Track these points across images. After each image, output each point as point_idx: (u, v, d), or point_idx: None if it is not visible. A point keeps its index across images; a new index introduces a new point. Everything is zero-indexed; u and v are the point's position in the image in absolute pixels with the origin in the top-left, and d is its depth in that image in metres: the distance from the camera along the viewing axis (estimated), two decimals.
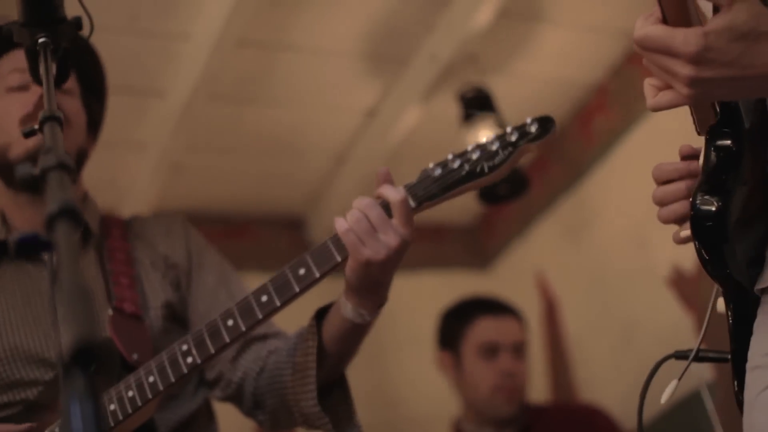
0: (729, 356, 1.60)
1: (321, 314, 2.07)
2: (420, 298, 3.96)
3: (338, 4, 3.34)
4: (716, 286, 1.56)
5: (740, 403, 1.54)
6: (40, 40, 1.67)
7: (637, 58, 3.70)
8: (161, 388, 2.00)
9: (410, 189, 1.95)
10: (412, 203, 1.93)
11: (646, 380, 1.67)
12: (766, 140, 1.46)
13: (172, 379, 1.99)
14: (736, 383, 1.56)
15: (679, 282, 3.53)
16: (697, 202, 1.43)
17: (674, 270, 3.54)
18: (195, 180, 3.89)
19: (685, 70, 1.29)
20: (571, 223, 4.07)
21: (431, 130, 3.88)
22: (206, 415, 2.32)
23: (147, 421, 2.06)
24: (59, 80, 1.67)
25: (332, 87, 3.64)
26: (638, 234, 3.71)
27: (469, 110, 3.52)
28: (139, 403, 2.00)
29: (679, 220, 1.58)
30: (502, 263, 4.44)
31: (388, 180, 1.96)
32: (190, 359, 1.98)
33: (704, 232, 1.43)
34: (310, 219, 4.24)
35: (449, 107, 3.64)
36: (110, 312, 2.16)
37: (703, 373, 1.86)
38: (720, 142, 1.45)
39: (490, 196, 3.58)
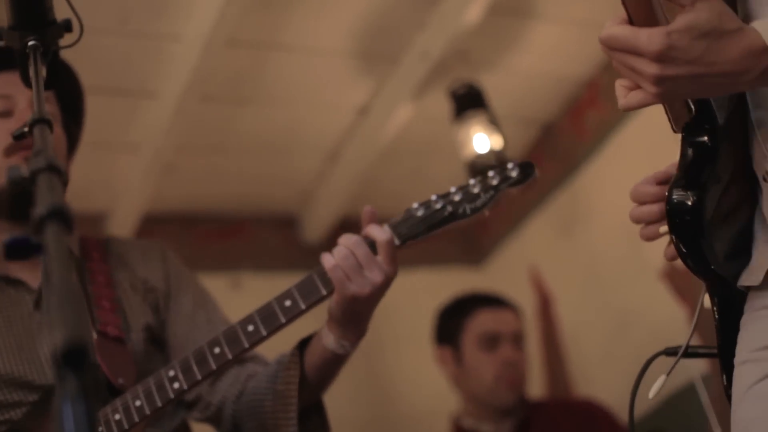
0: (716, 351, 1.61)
1: (303, 344, 2.14)
2: (416, 295, 3.96)
3: (328, 2, 3.34)
4: (704, 284, 1.57)
5: (730, 397, 1.55)
6: (30, 43, 1.66)
7: None
8: (148, 412, 2.04)
9: (395, 228, 2.05)
10: (396, 241, 2.03)
11: (637, 378, 1.69)
12: (741, 136, 1.48)
13: (159, 404, 2.04)
14: (724, 378, 1.58)
15: (673, 275, 3.53)
16: (673, 197, 1.45)
17: (667, 264, 3.54)
18: (188, 180, 3.89)
19: (650, 68, 1.32)
20: (565, 218, 4.08)
21: (423, 127, 3.89)
22: None
23: None
24: (49, 84, 1.67)
25: (324, 85, 3.64)
26: (631, 228, 3.68)
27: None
28: (126, 427, 2.03)
29: (658, 237, 1.61)
30: (496, 259, 4.45)
31: (374, 219, 2.06)
32: (176, 385, 2.04)
33: (680, 226, 1.45)
34: (304, 217, 4.24)
35: (441, 104, 3.64)
36: (94, 336, 2.17)
37: (696, 366, 1.87)
38: (695, 139, 1.48)
39: None
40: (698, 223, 1.44)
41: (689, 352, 1.68)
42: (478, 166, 3.44)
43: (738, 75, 1.32)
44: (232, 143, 3.79)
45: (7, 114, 2.20)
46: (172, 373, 2.05)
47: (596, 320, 3.92)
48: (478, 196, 2.06)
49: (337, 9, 3.36)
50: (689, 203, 1.44)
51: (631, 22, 1.35)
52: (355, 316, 2.04)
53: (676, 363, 1.66)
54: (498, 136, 3.51)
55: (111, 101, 3.37)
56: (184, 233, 3.99)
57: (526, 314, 3.84)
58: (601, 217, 3.89)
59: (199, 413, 2.31)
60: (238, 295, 3.87)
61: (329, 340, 2.06)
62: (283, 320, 2.02)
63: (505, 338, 3.43)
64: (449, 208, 2.05)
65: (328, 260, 2.01)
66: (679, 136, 3.67)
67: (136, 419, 2.03)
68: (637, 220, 1.66)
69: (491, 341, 3.42)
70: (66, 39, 1.73)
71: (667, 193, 1.47)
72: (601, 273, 3.91)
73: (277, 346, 2.19)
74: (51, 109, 2.22)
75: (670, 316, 3.52)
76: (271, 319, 2.03)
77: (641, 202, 1.65)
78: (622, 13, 1.37)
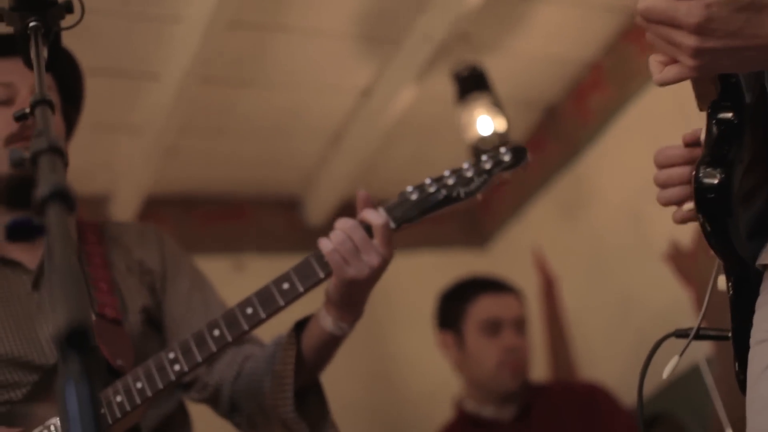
0: (729, 334, 1.60)
1: (299, 325, 2.17)
2: (418, 278, 3.96)
3: None
4: (717, 264, 1.56)
5: (741, 383, 1.54)
6: (31, 24, 1.66)
7: (631, 35, 3.69)
8: (149, 394, 2.06)
9: (390, 211, 2.08)
10: (392, 225, 2.07)
11: (646, 359, 1.68)
12: (763, 119, 1.46)
13: (160, 386, 2.06)
14: (737, 364, 1.57)
15: (677, 257, 3.53)
16: (700, 174, 1.44)
17: (672, 245, 3.54)
18: (190, 162, 3.88)
19: (688, 41, 1.30)
20: (568, 201, 4.07)
21: (426, 110, 3.88)
22: (181, 415, 2.38)
23: (133, 425, 2.11)
24: (50, 65, 1.66)
25: (326, 68, 3.63)
26: (635, 210, 3.71)
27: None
28: (128, 408, 2.05)
29: (679, 203, 1.59)
30: (499, 242, 4.44)
31: (369, 203, 2.10)
32: (177, 367, 2.07)
33: (707, 204, 1.44)
34: (306, 199, 4.23)
35: (444, 86, 3.63)
36: (93, 318, 2.17)
37: (701, 348, 1.87)
38: (721, 115, 1.46)
39: None
40: (725, 202, 1.43)
41: (700, 335, 1.67)
42: (481, 149, 3.43)
43: None
44: (234, 125, 3.78)
45: (8, 102, 2.19)
46: (172, 355, 2.07)
47: (600, 303, 3.91)
48: (471, 179, 2.09)
49: None
50: (716, 181, 1.42)
51: None
52: (352, 299, 2.08)
53: (687, 344, 1.66)
54: (501, 118, 3.50)
55: (112, 83, 3.36)
56: (186, 215, 3.98)
57: (529, 297, 3.84)
58: (605, 199, 3.88)
59: (196, 394, 2.33)
60: (240, 277, 3.87)
61: (327, 321, 2.11)
62: (282, 303, 2.05)
63: (508, 324, 3.42)
64: (443, 192, 2.09)
65: (325, 244, 2.05)
66: (681, 119, 3.64)
67: (138, 401, 2.05)
68: (662, 184, 1.62)
69: (493, 327, 3.42)
70: (67, 20, 1.72)
71: (693, 172, 1.45)
72: (604, 255, 3.90)
73: (273, 328, 2.20)
74: (50, 93, 2.21)
75: (673, 299, 3.51)
76: (269, 302, 2.05)
77: (667, 165, 1.62)
78: None
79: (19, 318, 2.18)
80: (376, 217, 2.06)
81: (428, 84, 3.69)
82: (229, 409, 2.29)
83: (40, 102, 1.40)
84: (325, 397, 2.20)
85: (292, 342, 2.14)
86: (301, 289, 2.05)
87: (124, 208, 3.82)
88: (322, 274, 2.06)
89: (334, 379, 2.28)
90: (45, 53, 1.65)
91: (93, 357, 0.88)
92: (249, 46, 3.43)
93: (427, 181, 2.11)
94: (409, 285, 3.92)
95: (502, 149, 2.12)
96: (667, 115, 3.55)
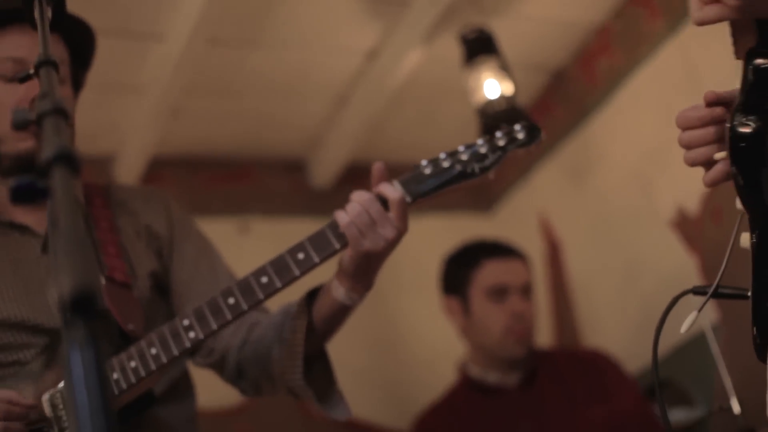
0: (748, 293, 1.59)
1: (310, 294, 2.20)
2: (424, 242, 3.95)
3: None
4: (738, 219, 1.54)
5: (758, 348, 1.53)
6: None
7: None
8: (164, 360, 2.07)
9: (405, 185, 2.11)
10: (408, 199, 2.10)
11: (662, 315, 1.68)
12: None
13: (175, 353, 2.08)
14: (755, 329, 1.55)
15: (683, 224, 3.51)
16: (735, 123, 1.41)
17: (678, 212, 3.52)
18: (195, 124, 3.87)
19: None
20: (575, 166, 4.05)
21: (433, 72, 3.85)
22: (186, 380, 2.38)
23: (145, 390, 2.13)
24: (54, 24, 1.64)
25: (333, 28, 3.60)
26: (642, 176, 3.69)
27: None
28: (143, 374, 2.07)
29: (705, 163, 1.57)
30: (505, 206, 4.43)
31: (384, 176, 2.12)
32: (192, 334, 2.08)
33: (741, 154, 1.41)
34: (312, 162, 4.22)
35: (451, 49, 3.60)
36: (103, 281, 2.17)
37: (707, 315, 1.86)
38: (758, 62, 1.44)
39: None
40: (759, 151, 1.41)
41: (718, 292, 1.66)
42: (488, 112, 3.41)
43: None
44: (240, 86, 3.76)
45: (21, 80, 2.17)
46: (186, 322, 2.08)
47: (605, 268, 3.91)
48: (485, 156, 2.12)
49: None
50: (750, 130, 1.41)
51: None
52: (365, 270, 2.11)
53: (706, 301, 1.65)
54: (508, 82, 3.47)
55: (118, 43, 3.33)
56: (191, 177, 3.97)
57: (534, 262, 3.83)
58: (612, 164, 3.86)
59: (202, 359, 2.34)
60: (245, 240, 3.86)
61: (339, 292, 2.13)
62: (297, 273, 2.08)
63: (514, 290, 3.41)
64: (458, 167, 2.12)
65: (342, 217, 2.07)
66: (690, 85, 3.61)
67: (153, 367, 2.06)
68: (687, 145, 1.60)
69: (499, 293, 3.40)
70: None
71: (728, 121, 1.43)
72: (610, 221, 3.89)
73: (281, 296, 2.19)
74: (58, 53, 2.19)
75: (679, 265, 3.50)
76: (284, 271, 2.07)
77: (689, 128, 1.60)
78: None
79: (29, 281, 2.18)
80: (392, 191, 2.08)
81: (435, 46, 3.66)
82: (235, 375, 2.31)
83: (44, 63, 1.38)
84: (331, 364, 2.22)
85: (303, 311, 2.16)
86: (317, 260, 2.08)
87: (128, 170, 3.81)
88: (337, 246, 2.08)
89: (338, 344, 2.29)
90: (49, 14, 1.63)
91: (103, 321, 0.87)
92: (255, 6, 3.40)
93: (442, 155, 2.13)
94: (414, 249, 3.89)
95: (517, 126, 2.14)
96: (675, 81, 3.53)
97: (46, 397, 2.04)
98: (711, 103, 1.57)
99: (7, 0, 2.14)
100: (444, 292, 3.55)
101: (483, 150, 2.12)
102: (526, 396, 3.35)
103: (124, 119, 3.72)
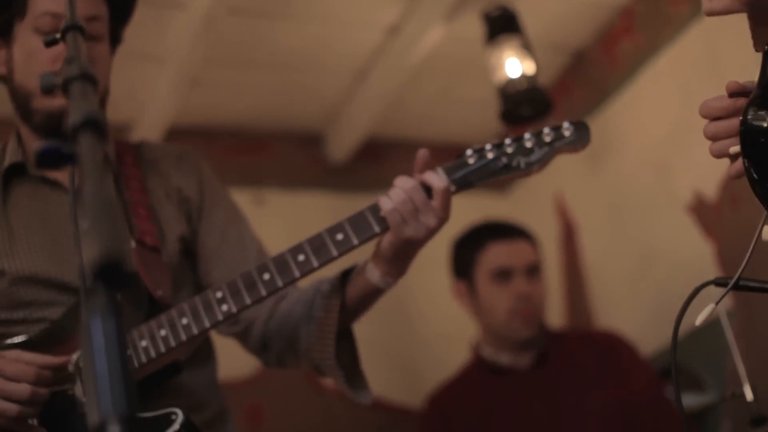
0: None
1: (344, 274, 2.18)
2: None
3: None
4: (765, 215, 1.53)
5: None
6: None
7: None
8: (195, 332, 2.06)
9: (449, 173, 2.09)
10: (452, 188, 2.08)
11: (682, 307, 1.67)
12: None
13: (207, 325, 2.06)
14: None
15: (700, 209, 3.50)
16: (749, 116, 1.40)
17: (696, 197, 3.51)
18: (213, 94, 3.86)
19: None
20: (593, 147, 3.97)
21: (454, 49, 3.83)
22: (207, 346, 2.37)
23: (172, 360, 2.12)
24: None
25: (355, 2, 3.58)
26: (660, 160, 3.67)
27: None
28: (173, 344, 2.05)
29: (731, 155, 1.56)
30: (521, 186, 4.41)
31: (428, 162, 2.09)
32: (225, 307, 2.06)
33: (755, 148, 1.40)
34: (329, 135, 4.21)
35: (473, 26, 3.58)
36: (133, 245, 2.16)
37: (723, 301, 1.86)
38: None
39: (512, 117, 3.53)
40: None
41: (740, 285, 1.65)
42: (509, 91, 3.40)
43: None
44: (260, 58, 3.75)
45: (97, 38, 2.21)
46: (219, 294, 2.07)
47: (620, 251, 3.89)
48: (532, 150, 2.09)
49: None
50: (765, 125, 1.39)
51: None
52: (403, 256, 2.11)
53: (726, 293, 1.64)
54: (530, 61, 3.46)
55: (139, 10, 3.27)
56: (208, 147, 3.96)
57: (549, 243, 3.82)
58: (630, 147, 3.84)
59: (226, 328, 2.32)
60: (261, 212, 3.86)
61: (374, 275, 2.12)
62: (335, 254, 2.07)
63: (518, 271, 3.39)
64: (503, 160, 2.10)
65: (385, 203, 2.05)
66: (712, 70, 3.59)
67: (183, 337, 2.05)
68: (712, 137, 1.59)
69: (504, 275, 3.38)
70: None
71: (743, 114, 1.42)
72: (627, 204, 3.87)
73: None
74: (99, 27, 2.22)
75: (695, 251, 3.49)
76: (322, 251, 2.06)
77: (712, 118, 1.59)
78: None
79: (56, 237, 2.18)
80: (438, 180, 2.06)
81: (457, 24, 3.64)
82: (259, 347, 2.30)
83: (71, 27, 1.37)
84: (356, 344, 2.22)
85: (337, 291, 2.15)
86: (356, 242, 2.07)
87: (145, 138, 3.80)
88: (377, 229, 2.07)
89: None
90: None
91: (132, 285, 0.87)
92: None
93: (487, 146, 2.11)
94: None
95: (565, 124, 2.11)
96: (697, 66, 3.51)
97: (73, 358, 2.03)
98: (733, 94, 1.56)
99: None
100: (453, 275, 3.55)
101: (529, 144, 2.10)
102: (539, 377, 3.34)
103: (143, 88, 3.71)
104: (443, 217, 2.07)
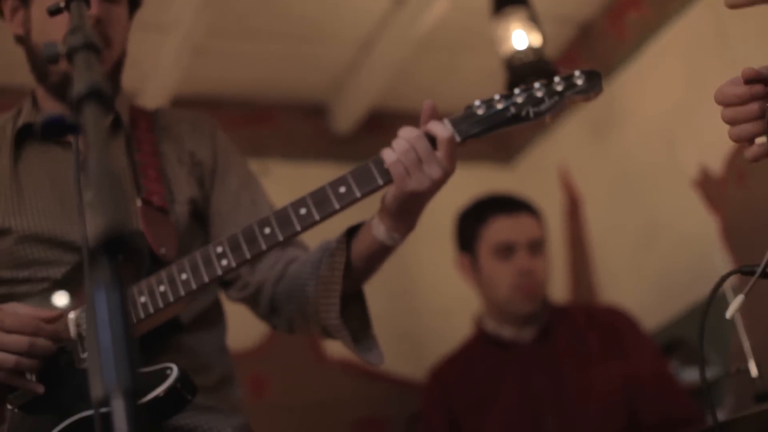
0: None
1: (349, 232, 2.13)
2: (442, 191, 3.92)
3: None
4: None
5: None
6: None
7: None
8: (194, 287, 2.04)
9: (455, 124, 2.03)
10: (457, 138, 2.02)
11: (709, 295, 1.66)
12: None
13: (206, 280, 2.04)
14: None
15: (706, 184, 3.48)
16: None
17: (701, 171, 3.49)
18: (218, 64, 3.84)
19: None
20: (599, 121, 4.02)
21: (460, 21, 3.81)
22: (217, 310, 2.37)
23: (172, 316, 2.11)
24: None
25: None
26: (666, 134, 3.66)
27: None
28: (171, 299, 2.04)
29: (750, 139, 1.55)
30: (526, 158, 4.40)
31: (434, 114, 2.04)
32: (224, 262, 2.04)
33: None
34: (334, 106, 4.19)
35: None
36: (139, 204, 2.16)
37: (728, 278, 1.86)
38: None
39: None
40: None
41: (766, 272, 1.64)
42: (515, 63, 3.38)
43: None
44: (265, 28, 3.73)
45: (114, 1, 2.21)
46: (219, 249, 2.04)
47: (625, 226, 3.88)
48: (542, 100, 2.03)
49: None
50: None
51: None
52: (408, 210, 2.05)
53: (753, 281, 1.63)
54: (537, 33, 3.43)
55: None
56: (212, 117, 3.94)
57: (554, 216, 3.81)
58: (637, 121, 3.83)
59: (236, 292, 2.31)
60: (265, 183, 3.83)
61: (380, 230, 2.07)
62: (337, 206, 2.02)
63: (521, 246, 3.38)
64: (512, 110, 2.03)
65: (389, 155, 2.00)
66: (719, 44, 3.56)
67: (182, 293, 2.03)
68: (730, 121, 1.58)
69: (506, 250, 3.38)
70: None
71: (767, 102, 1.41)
72: (632, 178, 3.86)
73: (320, 233, 2.17)
74: None
75: (700, 225, 3.48)
76: (324, 204, 2.02)
77: (728, 104, 1.58)
78: None
79: (64, 196, 2.18)
80: (441, 129, 2.00)
81: None
82: (268, 311, 2.28)
83: None
84: (366, 306, 2.17)
85: (341, 248, 2.11)
86: (358, 194, 2.01)
87: (150, 107, 3.79)
88: (381, 181, 2.02)
89: None
90: None
91: (131, 264, 0.86)
92: None
93: (496, 96, 2.05)
94: (433, 198, 3.89)
95: (577, 73, 2.05)
96: (705, 40, 3.49)
97: (72, 317, 2.03)
98: (750, 80, 1.54)
99: None
100: (457, 249, 3.54)
101: (539, 93, 2.03)
102: (542, 351, 3.35)
103: (147, 57, 3.69)
104: (448, 169, 2.00)
